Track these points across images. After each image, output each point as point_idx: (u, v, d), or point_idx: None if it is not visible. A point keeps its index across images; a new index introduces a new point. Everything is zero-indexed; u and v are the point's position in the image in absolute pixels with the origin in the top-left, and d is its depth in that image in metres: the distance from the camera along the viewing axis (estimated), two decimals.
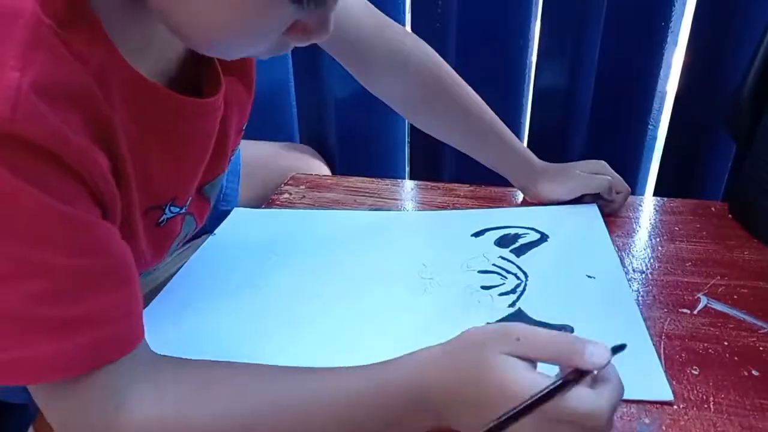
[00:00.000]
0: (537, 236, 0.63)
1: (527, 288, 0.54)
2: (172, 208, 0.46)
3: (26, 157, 0.31)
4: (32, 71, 0.30)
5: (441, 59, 0.66)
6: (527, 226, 0.65)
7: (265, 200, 0.75)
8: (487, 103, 0.67)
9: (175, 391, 0.37)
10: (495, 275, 0.56)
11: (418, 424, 0.38)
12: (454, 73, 0.66)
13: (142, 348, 0.37)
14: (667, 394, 0.41)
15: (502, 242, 0.62)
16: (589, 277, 0.55)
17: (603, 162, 0.69)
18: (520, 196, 0.73)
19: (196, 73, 0.45)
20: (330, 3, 0.36)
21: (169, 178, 0.44)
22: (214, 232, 0.67)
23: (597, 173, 0.68)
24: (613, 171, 0.69)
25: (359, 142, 1.01)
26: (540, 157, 0.72)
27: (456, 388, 0.36)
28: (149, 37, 0.40)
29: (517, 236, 0.63)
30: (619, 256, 0.59)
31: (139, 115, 0.38)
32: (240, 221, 0.70)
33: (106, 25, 0.35)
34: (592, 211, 0.67)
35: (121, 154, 0.37)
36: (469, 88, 0.66)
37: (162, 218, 0.45)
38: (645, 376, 0.43)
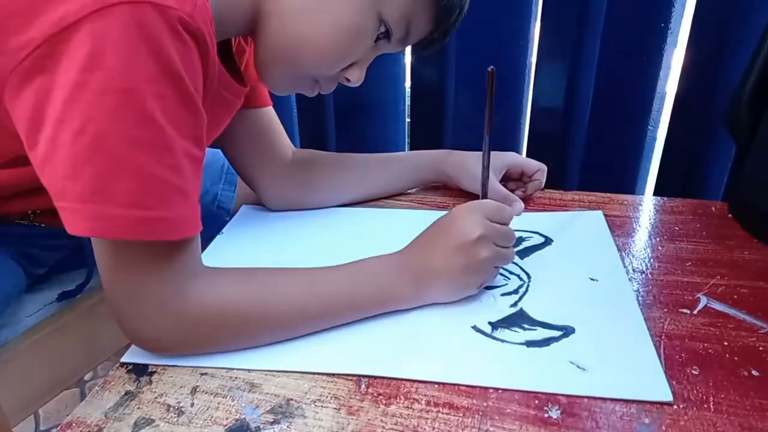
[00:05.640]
0: (541, 240, 0.63)
1: (530, 289, 0.54)
2: None
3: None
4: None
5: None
6: (532, 229, 0.65)
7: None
8: None
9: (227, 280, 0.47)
10: (498, 276, 0.56)
11: (400, 294, 0.50)
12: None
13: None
14: (666, 395, 0.41)
15: None
16: (591, 279, 0.55)
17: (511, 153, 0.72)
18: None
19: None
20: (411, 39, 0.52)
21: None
22: (222, 230, 0.68)
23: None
24: (521, 156, 0.72)
25: (359, 143, 1.02)
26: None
27: (422, 241, 0.52)
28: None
29: (521, 239, 0.63)
30: (619, 256, 0.59)
31: (207, 74, 0.45)
32: (248, 219, 0.71)
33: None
34: (596, 217, 0.67)
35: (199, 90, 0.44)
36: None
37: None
38: (645, 378, 0.43)
